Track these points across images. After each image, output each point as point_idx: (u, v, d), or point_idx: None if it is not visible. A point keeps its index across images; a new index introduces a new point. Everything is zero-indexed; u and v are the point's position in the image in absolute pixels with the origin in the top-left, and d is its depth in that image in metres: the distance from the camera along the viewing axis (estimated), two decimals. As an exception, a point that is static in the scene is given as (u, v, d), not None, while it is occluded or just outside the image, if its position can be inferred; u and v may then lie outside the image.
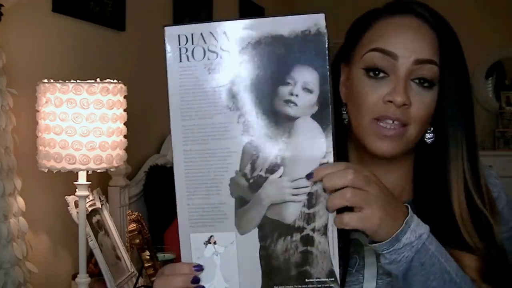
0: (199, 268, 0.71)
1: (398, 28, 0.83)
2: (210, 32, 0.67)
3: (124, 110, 1.52)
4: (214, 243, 0.70)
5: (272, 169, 0.67)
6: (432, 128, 0.85)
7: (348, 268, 0.82)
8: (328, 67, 0.65)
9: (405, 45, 0.81)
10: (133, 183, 2.06)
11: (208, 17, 2.90)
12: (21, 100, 1.52)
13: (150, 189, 2.14)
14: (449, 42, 0.83)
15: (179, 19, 2.60)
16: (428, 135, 0.86)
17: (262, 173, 0.67)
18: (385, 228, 0.68)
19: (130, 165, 1.90)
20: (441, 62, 0.81)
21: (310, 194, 0.67)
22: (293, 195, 0.67)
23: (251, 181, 0.68)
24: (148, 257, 1.65)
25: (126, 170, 1.89)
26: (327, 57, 0.65)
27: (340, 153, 0.90)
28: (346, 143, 0.91)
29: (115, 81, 1.48)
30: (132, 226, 1.65)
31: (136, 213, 1.69)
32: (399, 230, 0.68)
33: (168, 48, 0.69)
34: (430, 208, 0.83)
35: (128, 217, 1.69)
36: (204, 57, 0.67)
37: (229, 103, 0.67)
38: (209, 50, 0.67)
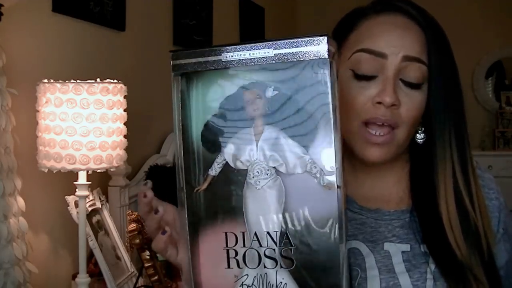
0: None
1: (385, 26, 0.81)
2: None
3: (124, 110, 1.52)
4: None
5: None
6: (423, 128, 0.84)
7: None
8: None
9: (393, 42, 0.79)
10: (133, 183, 2.06)
11: (208, 17, 2.89)
12: (21, 100, 1.52)
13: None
14: (436, 40, 0.81)
15: (179, 19, 2.60)
16: (419, 136, 0.84)
17: None
18: None
19: (130, 165, 1.90)
20: (429, 61, 0.80)
21: None
22: None
23: None
24: (148, 257, 1.65)
25: (126, 170, 1.89)
26: None
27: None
28: None
29: (115, 81, 1.48)
30: (132, 226, 1.65)
31: (136, 213, 1.69)
32: None
33: None
34: (428, 216, 0.81)
35: (128, 217, 1.69)
36: None
37: None
38: None
